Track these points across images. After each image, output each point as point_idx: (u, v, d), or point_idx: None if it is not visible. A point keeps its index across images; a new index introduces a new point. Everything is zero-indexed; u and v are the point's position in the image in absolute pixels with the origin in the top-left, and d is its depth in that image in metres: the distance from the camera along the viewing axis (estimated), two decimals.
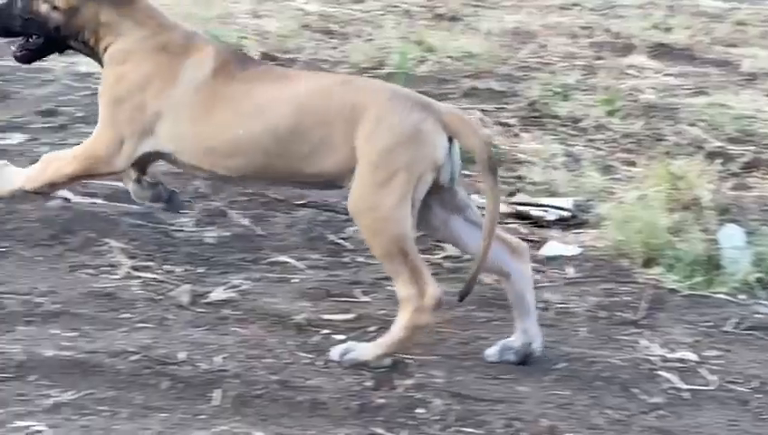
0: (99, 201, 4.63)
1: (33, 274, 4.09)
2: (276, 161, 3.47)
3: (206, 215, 4.62)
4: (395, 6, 8.60)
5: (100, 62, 3.67)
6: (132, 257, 4.27)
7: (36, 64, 6.28)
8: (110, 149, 3.52)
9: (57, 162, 3.59)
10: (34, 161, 3.75)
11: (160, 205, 3.82)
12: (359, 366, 3.61)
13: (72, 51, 3.78)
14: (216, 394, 3.42)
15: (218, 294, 4.06)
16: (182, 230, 4.53)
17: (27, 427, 3.20)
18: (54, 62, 6.72)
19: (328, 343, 3.79)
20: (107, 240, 4.36)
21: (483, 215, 3.52)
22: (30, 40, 3.63)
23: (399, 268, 3.44)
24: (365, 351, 3.59)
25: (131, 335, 3.72)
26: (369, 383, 3.57)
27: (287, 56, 6.80)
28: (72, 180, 3.67)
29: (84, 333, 3.70)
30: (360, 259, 4.47)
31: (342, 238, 4.61)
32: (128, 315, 3.86)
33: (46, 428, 3.20)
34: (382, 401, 3.47)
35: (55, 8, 3.55)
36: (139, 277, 4.15)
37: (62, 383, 3.40)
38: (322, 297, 4.10)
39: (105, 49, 3.59)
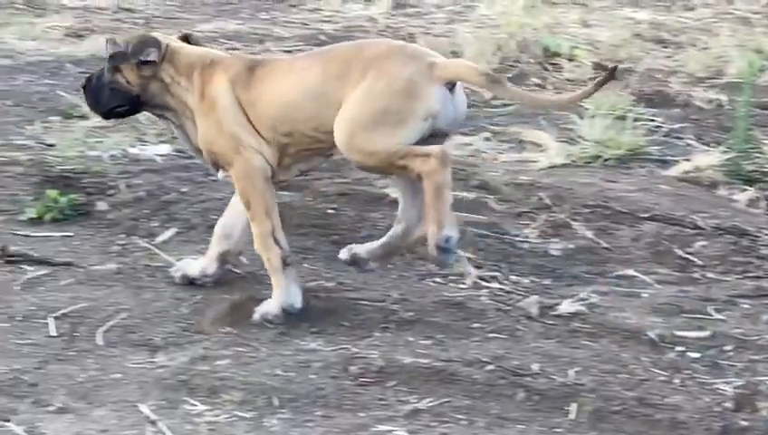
0: None
1: (384, 281, 4.19)
2: (318, 125, 3.74)
3: (550, 226, 4.59)
4: (728, 13, 8.32)
5: (168, 115, 4.00)
6: (479, 267, 4.30)
7: None
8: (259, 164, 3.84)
9: (258, 233, 3.86)
10: None
11: None
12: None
13: None
14: (573, 408, 3.39)
15: (566, 306, 4.02)
16: (527, 241, 4.52)
17: (389, 431, 3.27)
18: None
19: (683, 360, 3.68)
20: None
21: None
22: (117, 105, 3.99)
23: (402, 164, 3.63)
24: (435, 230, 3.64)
25: (484, 345, 3.74)
26: (729, 404, 3.44)
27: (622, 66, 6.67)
28: (271, 216, 3.86)
29: (438, 342, 3.75)
30: (711, 275, 4.33)
31: (690, 253, 4.47)
32: (479, 325, 3.88)
33: (406, 433, 3.26)
34: (745, 423, 3.34)
35: (129, 82, 3.91)
36: (487, 287, 4.17)
37: (421, 390, 3.46)
38: (675, 313, 3.99)
39: (188, 108, 3.93)
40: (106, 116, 4.10)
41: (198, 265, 4.06)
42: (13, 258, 4.21)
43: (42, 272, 4.14)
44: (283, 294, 3.84)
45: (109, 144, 5.38)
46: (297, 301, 3.85)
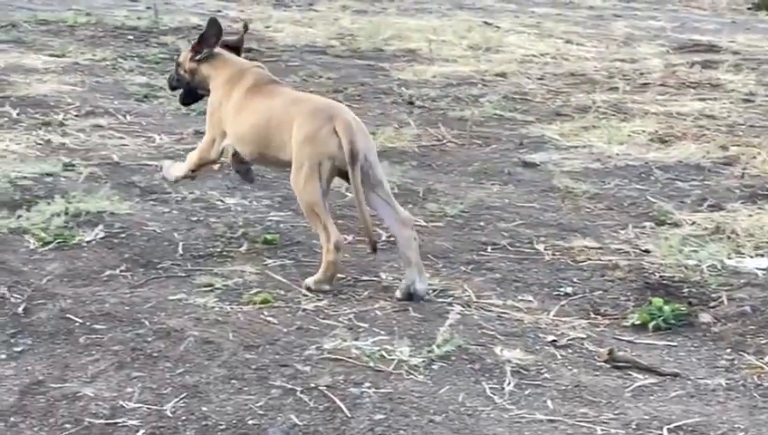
0: None
1: None
2: (267, 149, 4.97)
3: None
4: None
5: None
6: None
7: None
8: (209, 145, 5.25)
9: (190, 157, 5.37)
10: None
11: (239, 176, 5.51)
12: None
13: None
14: None
15: None
16: None
17: None
18: None
19: None
20: None
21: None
22: (182, 91, 5.60)
23: (316, 223, 4.77)
24: (309, 281, 4.78)
25: None
26: None
27: None
28: (198, 167, 5.36)
29: None
30: None
31: None
32: None
33: None
34: None
35: (185, 71, 5.45)
36: None
37: None
38: None
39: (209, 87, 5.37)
40: (183, 102, 5.76)
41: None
42: (620, 364, 4.21)
43: (650, 381, 4.10)
44: (177, 170, 5.47)
45: (705, 254, 5.30)
46: (178, 171, 5.47)
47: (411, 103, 8.82)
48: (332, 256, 4.71)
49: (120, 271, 4.90)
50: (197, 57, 5.37)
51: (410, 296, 4.69)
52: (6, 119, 7.67)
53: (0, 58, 9.89)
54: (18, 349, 4.11)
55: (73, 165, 6.51)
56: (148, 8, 13.36)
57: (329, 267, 4.73)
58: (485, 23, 13.72)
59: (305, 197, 4.74)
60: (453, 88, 9.51)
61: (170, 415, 3.62)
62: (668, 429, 3.71)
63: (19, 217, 5.49)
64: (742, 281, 4.96)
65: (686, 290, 4.89)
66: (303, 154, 4.72)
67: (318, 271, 4.78)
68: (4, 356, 4.05)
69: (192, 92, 5.55)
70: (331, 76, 9.85)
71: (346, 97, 8.94)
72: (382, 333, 4.32)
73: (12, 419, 3.60)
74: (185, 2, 14.87)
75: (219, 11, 14.09)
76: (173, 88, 5.70)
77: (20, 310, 4.42)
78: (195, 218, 5.66)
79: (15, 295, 4.56)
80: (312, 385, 3.84)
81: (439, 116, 8.38)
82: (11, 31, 11.44)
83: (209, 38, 5.34)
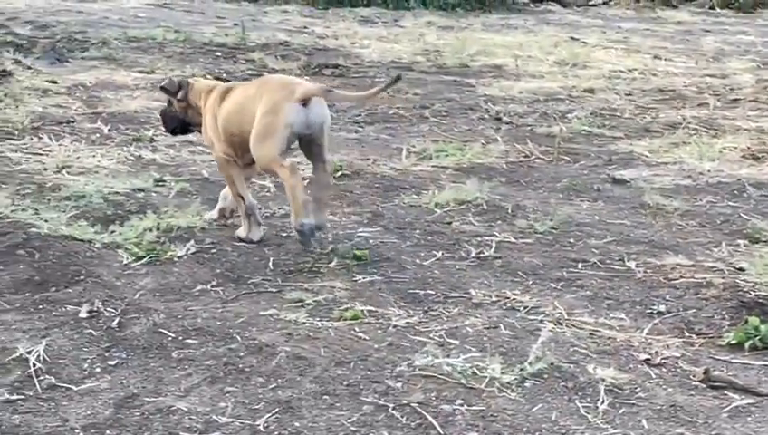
0: None
1: None
2: (245, 133, 5.33)
3: None
4: None
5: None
6: None
7: None
8: (222, 155, 5.55)
9: (230, 186, 5.65)
10: None
11: None
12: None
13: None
14: None
15: None
16: None
17: None
18: None
19: None
20: None
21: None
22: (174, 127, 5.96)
23: (274, 168, 5.27)
24: (292, 222, 5.31)
25: None
26: None
27: None
28: (237, 182, 5.53)
29: None
30: None
31: None
32: None
33: None
34: None
35: (177, 109, 5.80)
36: None
37: None
38: None
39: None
40: (172, 133, 6.11)
41: (210, 214, 5.82)
42: (716, 384, 4.13)
43: (747, 401, 4.01)
44: (245, 229, 5.52)
45: None
46: (255, 235, 5.51)
47: (498, 119, 8.79)
48: (292, 179, 5.17)
49: (212, 286, 4.94)
50: (177, 96, 5.76)
51: (301, 231, 5.26)
52: (98, 135, 7.80)
53: (91, 75, 10.07)
54: (113, 362, 4.15)
55: (164, 180, 6.60)
56: (235, 25, 13.52)
57: (294, 193, 5.18)
58: (572, 38, 13.64)
59: (263, 158, 5.25)
60: (540, 104, 9.46)
61: (263, 430, 3.64)
62: None
63: (112, 231, 5.57)
64: None
65: None
66: (265, 122, 5.21)
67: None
68: (99, 370, 4.09)
69: (185, 125, 5.88)
70: (417, 92, 9.85)
71: (432, 113, 8.94)
72: (473, 350, 4.30)
73: (108, 432, 3.63)
74: (271, 18, 15.02)
75: (305, 27, 14.21)
76: (170, 128, 5.96)
77: (114, 324, 4.47)
78: (285, 234, 5.68)
79: (110, 309, 4.62)
80: (404, 402, 3.83)
81: (527, 132, 8.33)
82: (102, 48, 11.64)
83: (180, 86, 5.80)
